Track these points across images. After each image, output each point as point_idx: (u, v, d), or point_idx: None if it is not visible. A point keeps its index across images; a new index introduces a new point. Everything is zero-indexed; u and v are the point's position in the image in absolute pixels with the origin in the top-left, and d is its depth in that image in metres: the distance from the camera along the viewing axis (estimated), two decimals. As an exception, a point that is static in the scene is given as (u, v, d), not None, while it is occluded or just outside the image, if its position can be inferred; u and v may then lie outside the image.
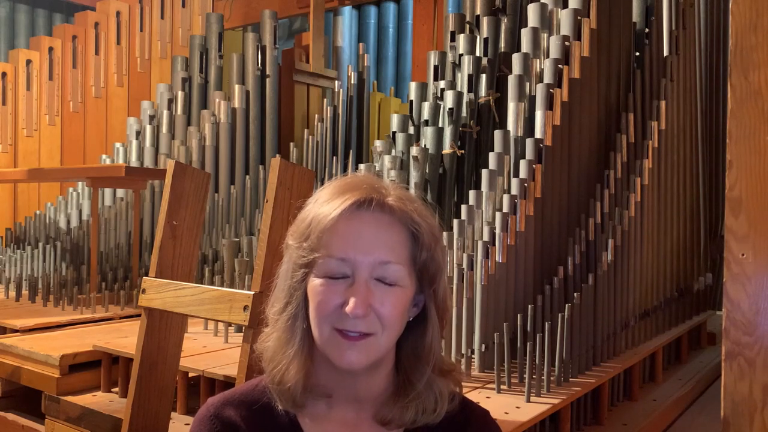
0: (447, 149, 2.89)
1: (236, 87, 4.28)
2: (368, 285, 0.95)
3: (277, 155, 3.25)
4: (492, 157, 2.30)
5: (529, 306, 2.02)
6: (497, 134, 2.42)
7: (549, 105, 2.27)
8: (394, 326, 0.97)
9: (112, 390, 2.31)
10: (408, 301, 0.99)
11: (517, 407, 1.68)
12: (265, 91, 4.43)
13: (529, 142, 2.24)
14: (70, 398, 2.21)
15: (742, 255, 1.12)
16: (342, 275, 0.95)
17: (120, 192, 4.08)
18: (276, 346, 1.02)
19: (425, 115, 2.98)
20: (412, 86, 3.14)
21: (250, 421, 1.02)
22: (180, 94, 4.38)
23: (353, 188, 0.99)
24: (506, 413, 1.63)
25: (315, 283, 0.97)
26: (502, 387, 1.83)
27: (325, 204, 0.99)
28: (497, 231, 2.08)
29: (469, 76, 2.92)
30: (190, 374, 2.13)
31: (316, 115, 4.11)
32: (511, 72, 2.64)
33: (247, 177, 4.13)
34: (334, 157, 4.00)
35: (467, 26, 3.08)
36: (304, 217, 1.01)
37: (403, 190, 1.03)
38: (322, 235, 0.96)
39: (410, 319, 1.02)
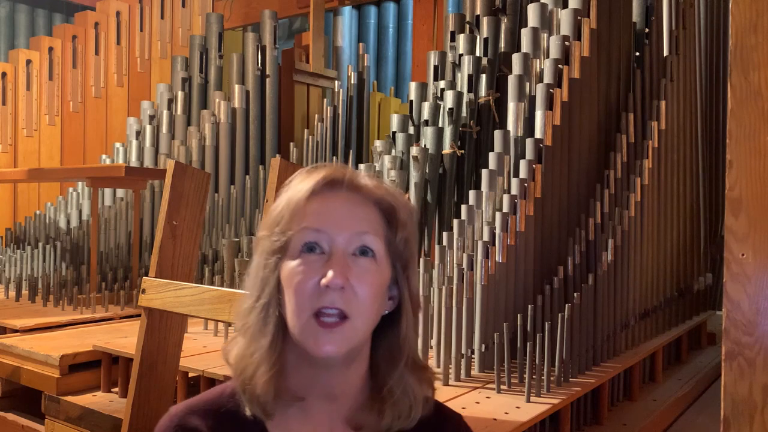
0: (447, 149, 2.89)
1: (236, 87, 4.28)
2: (346, 258, 0.92)
3: (277, 155, 3.25)
4: (492, 157, 2.30)
5: (529, 306, 2.02)
6: (497, 134, 2.42)
7: (549, 105, 2.27)
8: (370, 307, 0.93)
9: (112, 390, 2.31)
10: (384, 282, 0.96)
11: (517, 407, 1.68)
12: (265, 91, 4.43)
13: (529, 142, 2.24)
14: (70, 398, 2.21)
15: (742, 255, 1.12)
16: (318, 249, 0.92)
17: (120, 192, 4.08)
18: (245, 342, 0.96)
19: (425, 115, 2.98)
20: (412, 86, 3.14)
21: (216, 429, 0.96)
22: (180, 94, 4.38)
23: (324, 169, 0.98)
24: (506, 413, 1.63)
25: (290, 265, 0.93)
26: (502, 387, 1.83)
27: (295, 187, 0.97)
28: (497, 231, 2.08)
29: (469, 76, 2.92)
30: (190, 374, 2.13)
31: (316, 115, 4.11)
32: (511, 72, 2.64)
33: (247, 177, 4.13)
34: (334, 157, 4.00)
35: (467, 26, 3.08)
36: (275, 206, 0.98)
37: (372, 175, 1.02)
38: (295, 214, 0.94)
39: (386, 313, 0.99)
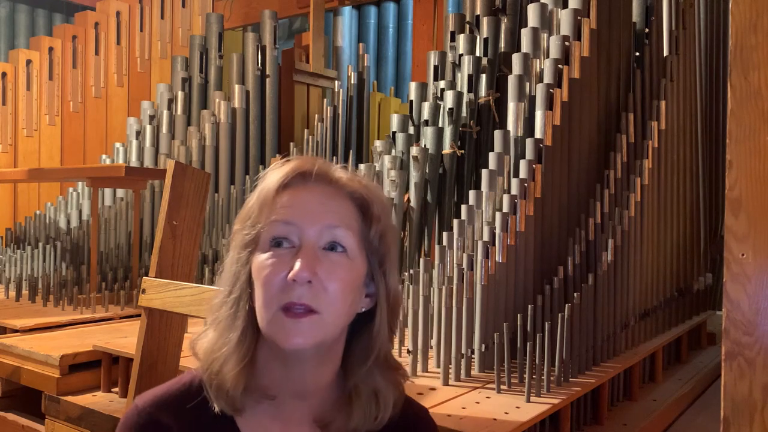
0: (447, 149, 2.89)
1: (236, 87, 4.28)
2: (315, 252, 0.89)
3: (277, 155, 3.25)
4: (492, 157, 2.30)
5: (529, 306, 2.02)
6: (497, 134, 2.42)
7: (549, 105, 2.27)
8: (340, 303, 0.90)
9: (112, 390, 2.31)
10: (357, 276, 0.93)
11: (517, 407, 1.68)
12: (265, 91, 4.43)
13: (529, 142, 2.24)
14: (70, 398, 2.21)
15: (742, 255, 1.12)
16: (288, 243, 0.90)
17: (120, 192, 4.08)
18: (215, 335, 0.94)
19: (425, 115, 2.99)
20: (412, 86, 3.14)
21: (184, 424, 0.94)
22: (180, 94, 4.38)
23: (294, 161, 0.96)
24: (506, 413, 1.63)
25: (259, 258, 0.91)
26: (502, 387, 1.83)
27: (267, 180, 0.95)
28: (497, 231, 2.08)
29: (469, 76, 2.92)
30: (190, 374, 2.12)
31: (316, 115, 4.11)
32: (511, 72, 2.64)
33: (247, 177, 4.14)
34: (334, 157, 4.00)
35: (467, 26, 3.09)
36: (249, 199, 0.96)
37: (347, 167, 0.99)
38: (264, 207, 0.92)
39: (362, 311, 0.97)
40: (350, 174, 0.97)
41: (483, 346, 2.01)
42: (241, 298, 0.93)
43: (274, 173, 0.95)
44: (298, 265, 0.87)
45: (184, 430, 0.94)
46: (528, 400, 1.73)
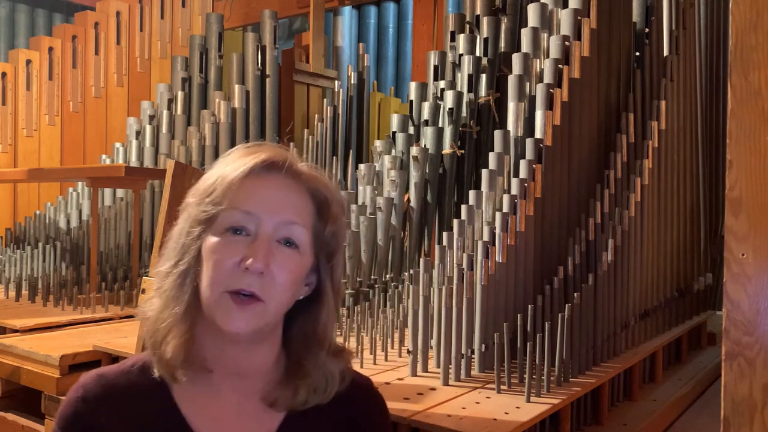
0: (447, 149, 2.89)
1: (236, 87, 4.28)
2: (270, 244, 0.92)
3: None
4: (492, 157, 2.30)
5: (529, 306, 2.02)
6: (497, 134, 2.42)
7: (549, 105, 2.27)
8: (285, 294, 0.94)
9: (112, 390, 2.31)
10: (304, 272, 0.97)
11: (517, 407, 1.68)
12: (265, 91, 4.43)
13: (529, 142, 2.24)
14: (70, 398, 2.21)
15: (742, 255, 1.12)
16: (244, 231, 0.93)
17: (120, 192, 4.08)
18: (161, 305, 0.97)
19: (425, 115, 2.99)
20: (412, 86, 3.14)
21: (124, 402, 0.96)
22: (180, 94, 4.38)
23: (264, 151, 0.97)
24: (506, 413, 1.63)
25: (213, 240, 0.93)
26: (502, 387, 1.83)
27: (233, 162, 0.96)
28: (497, 231, 2.08)
29: (469, 76, 2.92)
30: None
31: (316, 115, 4.11)
32: (511, 72, 2.64)
33: (247, 177, 4.13)
34: (334, 157, 4.00)
35: (467, 26, 3.09)
36: (208, 176, 0.98)
37: (310, 163, 1.02)
38: (228, 189, 0.93)
39: (301, 298, 1.00)
40: (314, 171, 1.00)
41: (483, 346, 2.01)
42: (189, 273, 0.95)
43: (240, 159, 0.96)
44: (254, 257, 0.90)
45: (124, 405, 0.96)
46: (528, 400, 1.73)
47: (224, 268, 0.91)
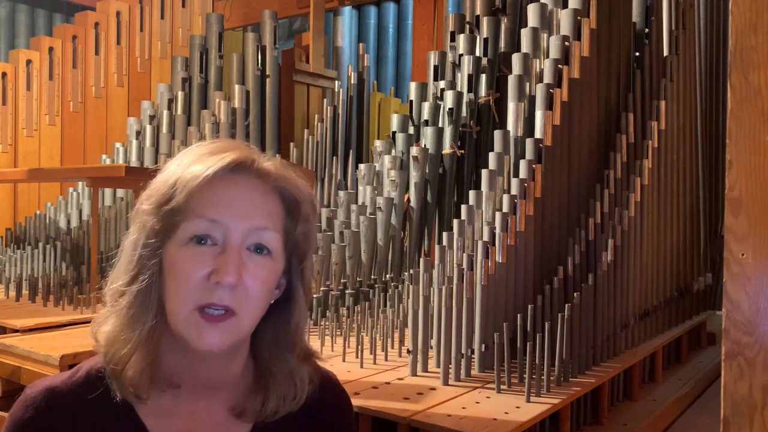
0: (447, 149, 2.89)
1: (236, 87, 4.28)
2: (240, 254, 0.84)
3: (277, 155, 3.26)
4: (492, 157, 2.30)
5: (529, 306, 2.02)
6: (497, 134, 2.42)
7: (549, 105, 2.27)
8: (259, 303, 0.87)
9: (112, 390, 2.31)
10: (277, 278, 0.90)
11: (517, 407, 1.68)
12: (265, 91, 4.43)
13: (529, 142, 2.24)
14: (70, 398, 2.21)
15: (742, 255, 1.12)
16: (210, 240, 0.84)
17: (120, 192, 4.08)
18: (120, 325, 0.86)
19: (425, 115, 2.99)
20: (412, 86, 3.14)
21: (78, 416, 0.87)
22: (180, 94, 4.38)
23: (227, 150, 0.88)
24: (506, 413, 1.63)
25: (176, 251, 0.84)
26: (502, 387, 1.83)
27: (194, 164, 0.86)
28: (497, 231, 2.08)
29: (469, 76, 2.92)
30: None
31: (316, 115, 4.11)
32: (511, 72, 2.64)
33: (247, 177, 4.13)
34: (334, 157, 4.00)
35: (467, 26, 3.09)
36: (165, 180, 0.87)
37: (278, 159, 0.94)
38: (191, 196, 0.84)
39: (272, 302, 0.93)
40: (281, 169, 0.92)
41: (483, 346, 2.01)
42: (150, 290, 0.86)
43: (204, 160, 0.87)
44: (224, 270, 0.83)
45: (79, 421, 0.87)
46: (528, 400, 1.73)
47: (192, 283, 0.83)
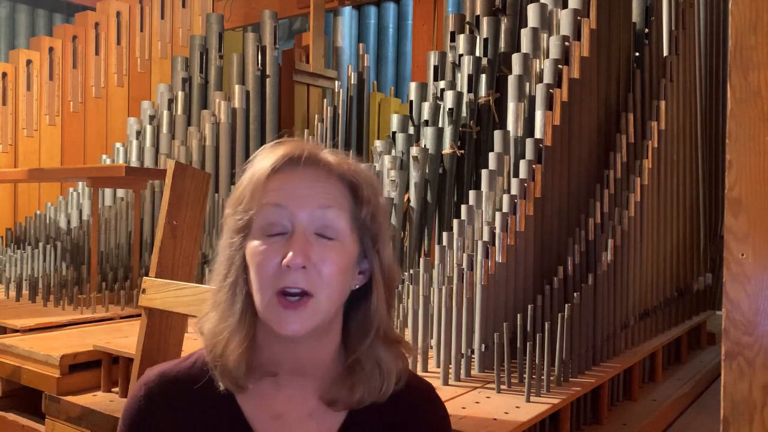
0: (447, 149, 2.89)
1: (236, 87, 4.28)
2: (307, 237, 0.91)
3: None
4: (492, 157, 2.31)
5: (529, 306, 2.02)
6: (497, 134, 2.42)
7: (549, 105, 2.27)
8: (335, 285, 0.92)
9: (113, 390, 2.31)
10: (350, 259, 0.95)
11: (517, 407, 1.68)
12: (265, 91, 4.44)
13: (529, 142, 2.24)
14: (70, 398, 2.21)
15: (742, 255, 1.12)
16: (280, 228, 0.92)
17: (120, 192, 4.08)
18: (217, 318, 0.97)
19: (425, 116, 2.99)
20: (412, 86, 3.14)
21: (187, 401, 0.97)
22: (180, 94, 4.38)
23: (284, 146, 0.96)
24: (506, 413, 1.63)
25: (253, 244, 0.93)
26: (502, 387, 1.83)
27: (257, 165, 0.96)
28: (497, 231, 2.08)
29: (469, 77, 2.92)
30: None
31: (316, 115, 4.11)
32: (510, 72, 2.64)
33: (247, 177, 4.13)
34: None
35: (467, 26, 3.09)
36: (239, 182, 0.97)
37: (340, 151, 1.00)
38: (255, 192, 0.93)
39: (356, 288, 0.98)
40: (339, 157, 0.98)
41: (483, 346, 2.01)
42: (238, 283, 0.95)
43: (264, 158, 0.96)
44: (291, 253, 0.89)
45: (187, 407, 0.97)
46: (528, 400, 1.73)
47: (267, 271, 0.91)
